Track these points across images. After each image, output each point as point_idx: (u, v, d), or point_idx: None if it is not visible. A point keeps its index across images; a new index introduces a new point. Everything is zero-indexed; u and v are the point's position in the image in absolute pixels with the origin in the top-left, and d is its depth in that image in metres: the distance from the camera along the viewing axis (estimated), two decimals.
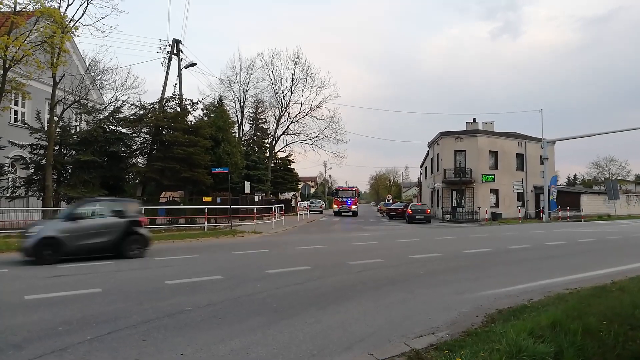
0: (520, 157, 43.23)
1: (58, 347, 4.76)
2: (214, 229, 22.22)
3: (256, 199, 33.36)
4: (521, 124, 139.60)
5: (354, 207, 47.19)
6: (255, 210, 26.23)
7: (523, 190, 40.03)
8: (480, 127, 43.89)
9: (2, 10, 18.88)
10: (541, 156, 39.70)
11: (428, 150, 51.92)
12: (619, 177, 66.46)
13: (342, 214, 47.19)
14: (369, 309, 6.58)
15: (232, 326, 5.61)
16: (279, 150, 49.65)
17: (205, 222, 22.44)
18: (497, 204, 40.71)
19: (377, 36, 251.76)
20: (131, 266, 10.88)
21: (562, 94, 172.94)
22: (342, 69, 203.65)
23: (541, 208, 39.79)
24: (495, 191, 40.97)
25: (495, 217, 37.32)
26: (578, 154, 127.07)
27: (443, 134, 42.86)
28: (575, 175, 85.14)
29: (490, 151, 41.55)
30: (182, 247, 15.28)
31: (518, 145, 43.32)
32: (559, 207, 39.36)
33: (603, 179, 68.08)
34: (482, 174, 39.64)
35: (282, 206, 31.59)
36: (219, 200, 25.83)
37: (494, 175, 39.83)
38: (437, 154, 44.59)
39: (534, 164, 42.66)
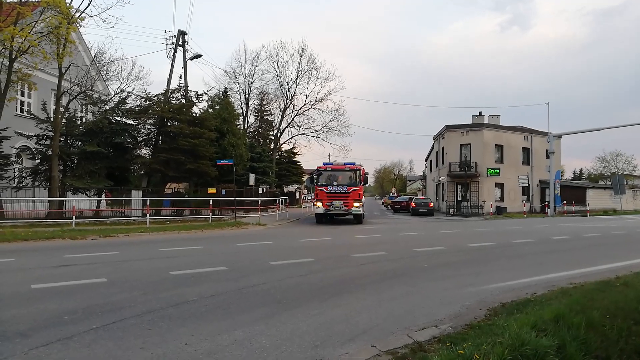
0: (526, 151, 43.04)
1: (64, 336, 4.81)
2: (218, 221, 22.32)
3: (260, 191, 33.42)
4: (528, 118, 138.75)
5: (355, 204, 23.70)
6: (259, 203, 26.29)
7: (528, 184, 39.91)
8: (486, 121, 43.67)
9: (8, 1, 18.92)
10: (547, 150, 39.52)
11: (433, 144, 51.74)
12: (625, 172, 66.00)
13: (335, 217, 25.80)
14: (372, 301, 6.60)
15: (235, 317, 5.64)
16: (283, 143, 49.59)
17: (210, 214, 22.54)
18: (502, 198, 40.61)
19: (383, 30, 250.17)
20: (136, 256, 10.97)
21: (570, 88, 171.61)
22: (347, 65, 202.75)
23: (546, 202, 39.65)
24: (500, 185, 40.85)
25: (500, 211, 37.24)
26: (584, 149, 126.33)
27: (448, 127, 42.69)
28: (581, 170, 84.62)
29: (495, 145, 41.38)
30: (187, 238, 15.36)
31: (524, 139, 43.10)
32: (564, 201, 39.19)
33: (609, 174, 67.67)
34: (488, 168, 39.52)
35: (286, 198, 31.68)
36: (223, 192, 25.91)
37: (499, 169, 39.69)
38: (443, 148, 44.45)
39: (540, 158, 42.46)
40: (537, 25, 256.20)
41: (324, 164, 25.79)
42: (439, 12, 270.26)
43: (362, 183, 24.59)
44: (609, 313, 5.27)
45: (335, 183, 24.19)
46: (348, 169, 24.69)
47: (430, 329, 5.27)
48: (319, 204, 24.13)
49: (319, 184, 24.38)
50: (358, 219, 24.76)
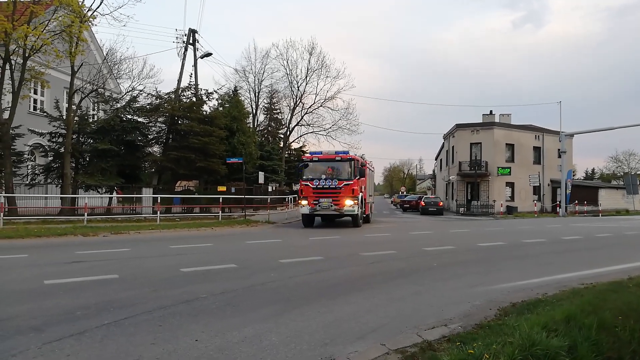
0: (537, 150, 42.67)
1: (77, 331, 4.86)
2: (228, 219, 22.42)
3: (270, 189, 33.53)
4: (539, 116, 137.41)
5: (348, 202, 19.46)
6: (268, 201, 26.37)
7: (540, 184, 39.54)
8: (497, 120, 43.38)
9: (22, 0, 19.16)
10: (559, 149, 39.11)
11: (443, 143, 51.50)
12: (638, 172, 65.16)
13: (328, 217, 21.80)
14: (381, 300, 6.59)
15: (245, 314, 5.67)
16: (293, 141, 49.58)
17: (220, 212, 22.66)
18: (512, 198, 40.33)
19: (393, 28, 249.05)
20: (147, 253, 11.07)
21: (583, 86, 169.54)
22: (357, 63, 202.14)
23: (558, 202, 39.26)
24: (511, 184, 40.56)
25: (511, 210, 36.96)
26: (597, 148, 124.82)
27: (459, 126, 42.46)
28: (593, 170, 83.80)
29: (506, 144, 41.10)
30: (197, 236, 15.46)
31: (535, 138, 42.74)
32: (576, 201, 38.80)
33: (622, 174, 66.86)
34: (498, 167, 39.24)
35: (295, 197, 31.68)
36: (233, 190, 26.04)
37: (510, 168, 39.40)
38: (453, 146, 44.23)
39: (552, 157, 42.06)
40: (550, 22, 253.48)
41: (310, 153, 21.81)
42: (451, 9, 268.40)
43: (358, 176, 19.96)
44: (621, 314, 5.21)
45: (323, 176, 19.87)
46: (339, 158, 20.14)
47: (439, 328, 5.25)
48: (304, 202, 19.88)
49: (304, 177, 20.20)
50: (354, 221, 20.55)
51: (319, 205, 19.60)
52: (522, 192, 40.55)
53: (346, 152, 21.09)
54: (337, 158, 20.19)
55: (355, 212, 19.90)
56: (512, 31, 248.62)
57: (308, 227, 20.03)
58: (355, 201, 19.59)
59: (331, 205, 19.50)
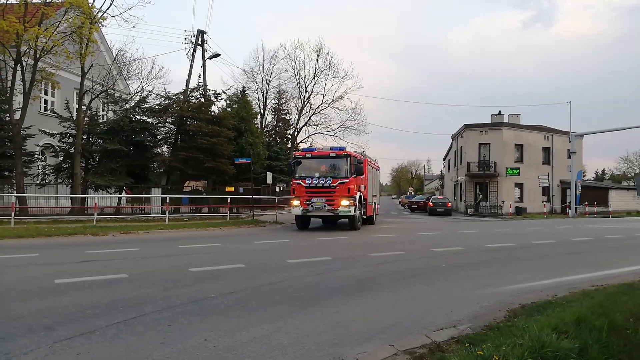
0: (546, 150, 42.38)
1: (87, 330, 4.90)
2: (236, 219, 22.51)
3: (277, 189, 33.57)
4: (549, 117, 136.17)
5: (344, 202, 17.75)
6: (276, 201, 26.42)
7: (549, 184, 39.26)
8: (505, 120, 43.13)
9: (33, 2, 19.39)
10: (568, 150, 38.82)
11: (451, 143, 51.29)
12: None
13: (326, 219, 20.43)
14: (389, 301, 6.58)
15: (254, 314, 5.69)
16: (300, 142, 49.62)
17: (228, 212, 22.76)
18: (521, 199, 40.08)
19: (401, 27, 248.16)
20: (156, 253, 11.14)
21: (593, 86, 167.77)
22: (364, 63, 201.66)
23: (567, 203, 38.95)
24: (520, 185, 40.32)
25: (520, 211, 36.73)
26: (607, 149, 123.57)
27: (467, 127, 42.26)
28: (603, 170, 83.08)
29: (515, 144, 40.85)
30: (205, 236, 15.53)
31: (545, 138, 42.44)
32: (586, 202, 38.48)
33: (633, 174, 66.21)
34: (507, 168, 39.03)
35: None
36: (241, 190, 26.13)
37: (519, 169, 39.16)
38: (461, 147, 44.03)
39: (561, 158, 41.75)
40: (559, 21, 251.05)
41: (303, 149, 20.60)
42: (459, 9, 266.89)
43: (355, 174, 18.22)
44: (632, 316, 5.16)
45: (317, 174, 18.30)
46: (334, 154, 18.49)
47: (448, 329, 5.23)
48: (296, 202, 18.25)
49: (297, 175, 18.68)
50: (351, 223, 18.47)
51: (312, 206, 18.03)
52: (531, 193, 40.29)
53: (342, 148, 19.32)
54: (332, 154, 18.62)
55: (352, 214, 18.04)
56: (521, 30, 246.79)
57: (303, 230, 18.62)
58: (352, 201, 17.90)
59: (324, 206, 17.90)
